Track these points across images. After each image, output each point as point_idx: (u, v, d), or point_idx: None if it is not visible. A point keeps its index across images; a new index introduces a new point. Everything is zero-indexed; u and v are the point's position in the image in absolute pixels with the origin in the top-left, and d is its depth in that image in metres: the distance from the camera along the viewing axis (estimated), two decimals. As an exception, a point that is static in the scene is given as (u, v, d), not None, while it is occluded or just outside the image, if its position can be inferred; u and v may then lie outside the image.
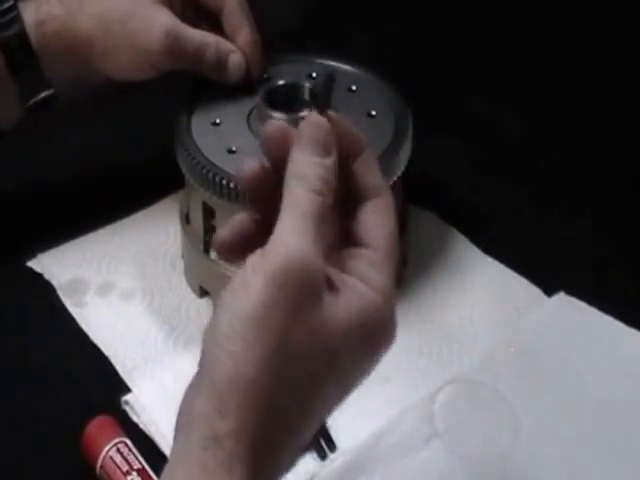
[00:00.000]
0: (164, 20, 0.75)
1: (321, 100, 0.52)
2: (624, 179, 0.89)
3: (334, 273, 0.49)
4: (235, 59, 0.77)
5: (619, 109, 0.95)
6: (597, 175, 0.89)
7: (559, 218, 0.86)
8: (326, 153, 0.50)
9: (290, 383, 0.47)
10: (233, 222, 0.54)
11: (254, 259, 0.48)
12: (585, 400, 0.71)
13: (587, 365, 0.74)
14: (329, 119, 0.51)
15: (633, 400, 0.72)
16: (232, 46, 0.77)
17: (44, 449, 0.69)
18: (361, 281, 0.49)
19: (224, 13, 0.78)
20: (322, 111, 0.51)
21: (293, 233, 0.48)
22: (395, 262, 0.51)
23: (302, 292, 0.47)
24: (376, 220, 0.51)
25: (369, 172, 0.52)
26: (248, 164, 0.52)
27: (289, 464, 0.50)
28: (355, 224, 0.52)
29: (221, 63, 0.76)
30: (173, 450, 0.49)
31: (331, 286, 0.49)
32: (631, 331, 0.76)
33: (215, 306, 0.49)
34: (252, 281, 0.47)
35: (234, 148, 0.74)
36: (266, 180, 0.52)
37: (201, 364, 0.48)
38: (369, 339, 0.49)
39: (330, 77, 0.52)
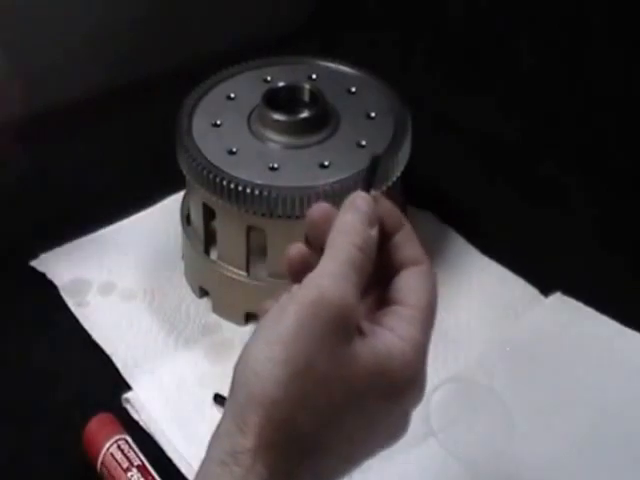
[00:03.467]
0: None
1: (366, 181, 0.53)
2: (622, 179, 0.89)
3: (365, 324, 0.50)
4: None
5: (618, 109, 0.95)
6: (595, 175, 0.89)
7: (556, 218, 0.86)
8: (370, 224, 0.51)
9: (312, 408, 0.48)
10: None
11: (292, 290, 0.49)
12: (581, 400, 0.72)
13: (583, 365, 0.74)
14: (373, 198, 0.53)
15: (629, 400, 0.72)
16: None
17: (45, 446, 0.70)
18: (390, 331, 0.50)
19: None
20: (366, 191, 0.53)
21: (332, 273, 0.49)
22: (431, 321, 0.52)
23: (334, 325, 0.48)
24: (412, 282, 0.52)
25: (409, 244, 0.53)
26: (294, 246, 0.53)
27: None
28: (391, 289, 0.53)
29: None
30: (198, 468, 0.49)
31: (361, 332, 0.50)
32: (627, 331, 0.76)
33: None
34: (287, 308, 0.48)
35: (234, 149, 0.75)
36: (309, 259, 0.53)
37: (230, 387, 0.49)
38: (395, 385, 0.50)
39: (376, 160, 0.54)
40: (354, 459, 0.51)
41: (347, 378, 0.48)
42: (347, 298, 0.48)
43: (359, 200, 0.52)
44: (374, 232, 0.51)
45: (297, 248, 0.53)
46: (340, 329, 0.48)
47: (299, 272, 0.52)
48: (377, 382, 0.49)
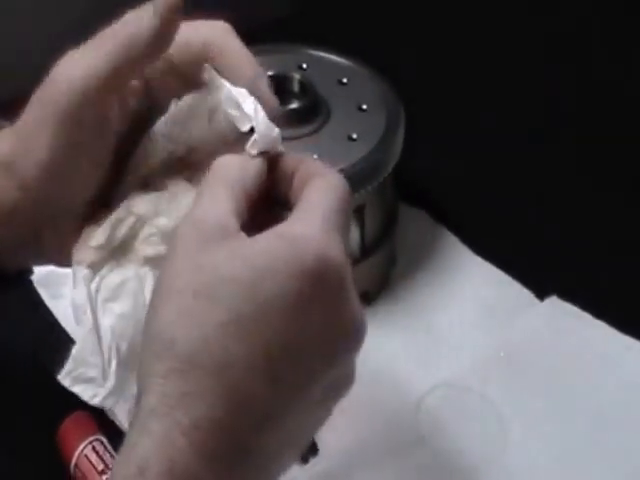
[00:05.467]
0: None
1: None
2: (619, 182, 0.88)
3: None
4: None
5: (620, 109, 0.94)
6: (592, 177, 0.88)
7: (553, 220, 0.84)
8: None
9: (212, 333, 0.44)
10: None
11: None
12: (576, 407, 0.70)
13: (578, 371, 0.73)
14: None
15: (624, 407, 0.71)
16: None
17: (16, 446, 0.68)
18: (284, 227, 0.46)
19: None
20: None
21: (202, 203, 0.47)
22: (324, 208, 0.47)
23: (194, 239, 0.45)
24: (310, 189, 0.49)
25: (308, 174, 0.50)
26: None
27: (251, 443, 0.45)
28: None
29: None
30: None
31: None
32: (624, 338, 0.75)
33: None
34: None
35: (221, 141, 0.73)
36: None
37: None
38: (306, 278, 0.44)
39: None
40: (307, 377, 0.46)
41: (233, 277, 0.44)
42: (206, 212, 0.46)
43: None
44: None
45: None
46: (207, 237, 0.45)
47: None
48: (278, 275, 0.44)
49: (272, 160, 0.51)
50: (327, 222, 0.46)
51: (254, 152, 0.50)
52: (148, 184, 0.55)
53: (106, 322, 0.54)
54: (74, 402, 0.68)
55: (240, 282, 0.44)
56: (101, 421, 0.68)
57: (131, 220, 0.54)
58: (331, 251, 0.45)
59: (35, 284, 0.78)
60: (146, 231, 0.54)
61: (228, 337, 0.43)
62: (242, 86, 0.53)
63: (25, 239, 0.56)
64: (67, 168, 0.53)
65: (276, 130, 0.52)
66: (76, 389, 0.57)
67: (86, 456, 0.65)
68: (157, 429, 0.43)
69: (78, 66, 0.51)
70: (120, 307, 0.53)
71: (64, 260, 0.56)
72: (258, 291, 0.44)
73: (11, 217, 0.55)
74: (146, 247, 0.54)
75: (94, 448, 0.66)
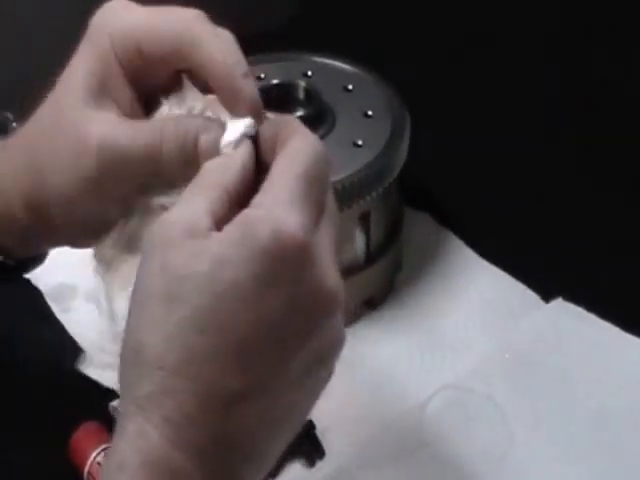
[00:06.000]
0: (98, 126, 0.51)
1: None
2: (619, 182, 0.88)
3: None
4: (208, 139, 0.50)
5: (615, 112, 0.94)
6: (592, 177, 0.88)
7: (557, 222, 0.84)
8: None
9: (173, 332, 0.44)
10: None
11: None
12: (581, 408, 0.70)
13: (584, 372, 0.73)
14: None
15: (630, 408, 0.71)
16: (202, 121, 0.51)
17: (31, 455, 0.69)
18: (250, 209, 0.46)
19: (212, 77, 0.51)
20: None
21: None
22: (284, 179, 0.46)
23: (160, 242, 0.45)
24: (273, 164, 0.48)
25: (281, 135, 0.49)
26: None
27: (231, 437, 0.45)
28: None
29: (187, 152, 0.50)
30: None
31: None
32: (629, 337, 0.75)
33: None
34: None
35: (226, 149, 0.73)
36: None
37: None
38: (263, 255, 0.43)
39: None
40: (280, 357, 0.45)
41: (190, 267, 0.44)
42: (174, 211, 0.46)
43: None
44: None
45: None
46: (168, 240, 0.44)
47: None
48: (236, 257, 0.43)
49: (258, 148, 0.50)
50: (286, 194, 0.45)
51: (228, 150, 0.50)
52: None
53: (120, 309, 0.54)
54: (86, 411, 0.69)
55: (199, 276, 0.44)
56: (112, 430, 0.68)
57: (142, 211, 0.54)
58: (286, 225, 0.44)
59: (45, 297, 0.79)
60: (152, 217, 0.54)
61: (188, 333, 0.43)
62: (219, 77, 0.50)
63: (38, 229, 0.56)
64: (91, 207, 0.53)
65: (247, 121, 0.50)
66: (95, 375, 0.57)
67: (99, 463, 0.66)
68: (130, 428, 0.44)
69: (115, 128, 0.51)
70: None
71: (77, 242, 0.56)
72: (216, 282, 0.43)
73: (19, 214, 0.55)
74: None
75: (106, 456, 0.66)
